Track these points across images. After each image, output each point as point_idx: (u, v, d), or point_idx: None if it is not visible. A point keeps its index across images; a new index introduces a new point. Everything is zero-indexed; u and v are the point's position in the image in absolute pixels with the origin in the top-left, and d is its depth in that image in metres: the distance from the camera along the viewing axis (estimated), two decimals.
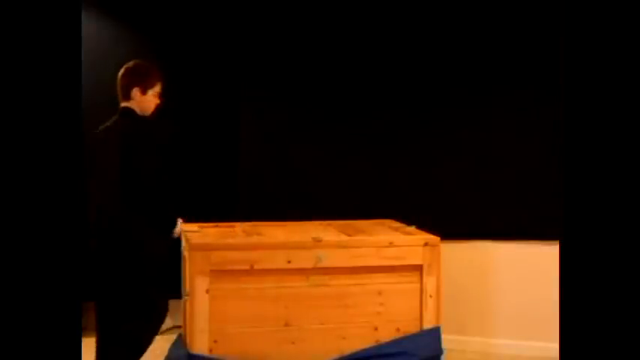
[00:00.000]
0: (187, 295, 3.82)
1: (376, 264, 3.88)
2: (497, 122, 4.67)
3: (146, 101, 3.63)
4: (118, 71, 4.96)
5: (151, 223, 3.48)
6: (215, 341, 3.72)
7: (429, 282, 3.93)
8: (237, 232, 4.23)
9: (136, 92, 3.60)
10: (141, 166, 3.38)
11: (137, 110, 3.61)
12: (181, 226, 4.28)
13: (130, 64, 3.69)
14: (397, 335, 3.90)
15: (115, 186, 3.36)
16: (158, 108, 3.71)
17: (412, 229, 4.22)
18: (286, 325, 3.80)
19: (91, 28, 4.75)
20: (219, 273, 3.73)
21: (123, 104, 3.64)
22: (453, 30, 4.73)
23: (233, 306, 3.75)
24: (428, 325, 3.92)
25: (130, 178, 3.36)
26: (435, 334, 3.92)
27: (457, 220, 4.65)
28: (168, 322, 5.14)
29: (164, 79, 3.70)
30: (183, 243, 4.09)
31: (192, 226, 4.23)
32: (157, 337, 4.94)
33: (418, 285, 3.93)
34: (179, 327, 4.67)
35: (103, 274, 3.46)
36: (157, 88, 3.66)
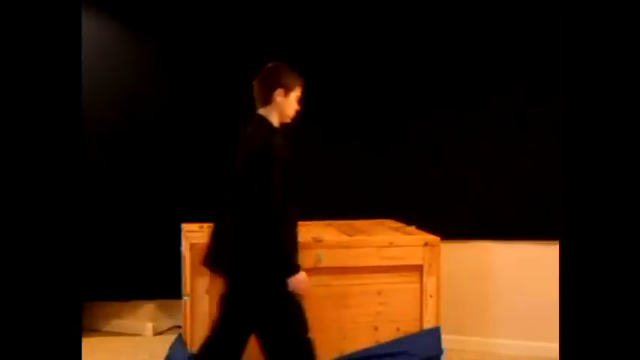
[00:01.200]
0: (187, 295, 3.82)
1: (376, 264, 3.88)
2: (497, 122, 4.66)
3: (288, 105, 3.32)
4: (118, 71, 4.99)
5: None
6: None
7: (429, 282, 3.93)
8: None
9: (279, 94, 3.27)
10: (266, 183, 3.13)
11: (276, 117, 3.31)
12: (183, 226, 4.29)
13: (270, 64, 3.37)
14: (397, 335, 3.90)
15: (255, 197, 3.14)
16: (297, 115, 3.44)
17: (412, 229, 4.22)
18: None
19: (91, 28, 4.75)
20: None
21: (260, 111, 3.32)
22: (454, 30, 4.73)
23: None
24: (428, 325, 3.92)
25: (254, 193, 3.13)
26: (435, 334, 3.92)
27: (457, 220, 4.65)
28: (168, 322, 5.16)
29: (304, 85, 3.40)
30: (183, 243, 4.09)
31: (193, 226, 4.23)
32: (157, 337, 4.99)
33: (418, 285, 3.93)
34: (179, 327, 4.68)
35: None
36: (298, 92, 3.35)
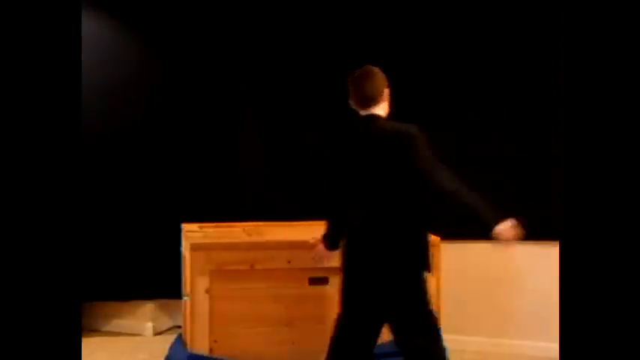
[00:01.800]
0: (187, 295, 3.82)
1: None
2: (497, 123, 4.66)
3: (389, 103, 3.44)
4: (118, 70, 4.98)
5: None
6: (215, 341, 3.72)
7: (429, 282, 3.92)
8: (237, 232, 4.23)
9: (387, 92, 3.39)
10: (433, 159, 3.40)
11: (384, 114, 3.38)
12: (183, 226, 4.28)
13: (367, 68, 3.43)
14: None
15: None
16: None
17: None
18: (286, 325, 3.80)
19: (91, 28, 4.75)
20: (219, 273, 3.73)
21: (367, 111, 3.35)
22: (454, 31, 4.73)
23: (233, 306, 3.74)
24: None
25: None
26: None
27: (457, 220, 4.64)
28: (168, 322, 5.16)
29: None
30: (183, 243, 4.09)
31: (193, 226, 4.23)
32: (157, 337, 4.99)
33: None
34: (179, 327, 4.68)
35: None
36: None
